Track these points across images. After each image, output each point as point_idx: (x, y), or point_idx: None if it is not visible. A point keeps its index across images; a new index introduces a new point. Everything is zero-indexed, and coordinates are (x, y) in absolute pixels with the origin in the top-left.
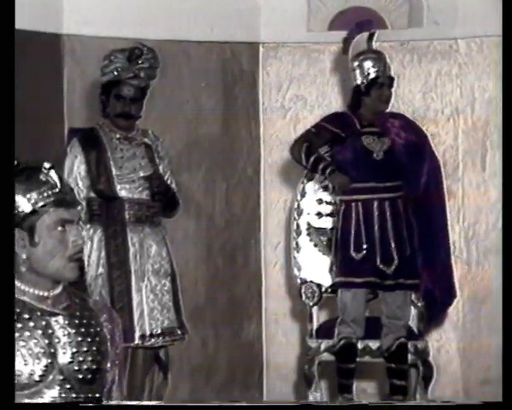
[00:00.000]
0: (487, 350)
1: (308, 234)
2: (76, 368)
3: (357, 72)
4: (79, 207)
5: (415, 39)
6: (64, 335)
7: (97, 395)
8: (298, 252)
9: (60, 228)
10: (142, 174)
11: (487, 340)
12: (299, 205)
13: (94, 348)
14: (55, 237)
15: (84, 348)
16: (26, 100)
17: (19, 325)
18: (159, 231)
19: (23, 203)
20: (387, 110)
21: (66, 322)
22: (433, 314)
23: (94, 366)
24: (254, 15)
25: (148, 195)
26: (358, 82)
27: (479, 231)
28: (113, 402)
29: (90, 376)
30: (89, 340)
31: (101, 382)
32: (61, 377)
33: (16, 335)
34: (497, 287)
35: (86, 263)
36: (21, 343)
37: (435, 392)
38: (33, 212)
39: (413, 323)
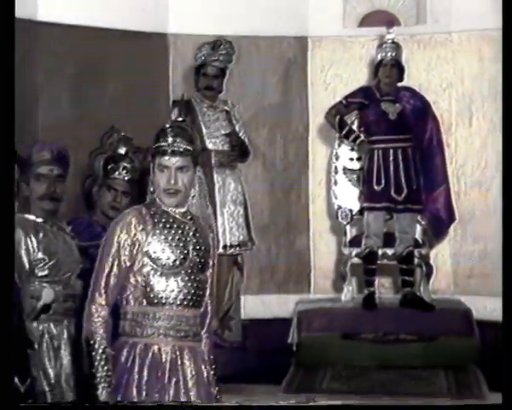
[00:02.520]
0: (471, 255)
1: (343, 173)
2: (197, 260)
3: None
4: (182, 157)
5: (420, 33)
6: (192, 236)
7: (203, 283)
8: (336, 186)
9: (161, 169)
10: (223, 132)
11: (471, 248)
12: (336, 153)
13: (204, 248)
14: (158, 175)
15: (203, 247)
16: (145, 81)
17: (167, 226)
18: (236, 172)
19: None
20: (400, 84)
21: (193, 228)
22: (437, 232)
23: (203, 260)
24: (304, 16)
25: (228, 147)
26: (375, 62)
27: (466, 170)
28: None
29: (202, 266)
30: (201, 241)
31: (206, 272)
32: (191, 264)
33: (165, 232)
34: (479, 210)
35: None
36: (170, 238)
37: (434, 285)
38: (153, 155)
39: (418, 236)
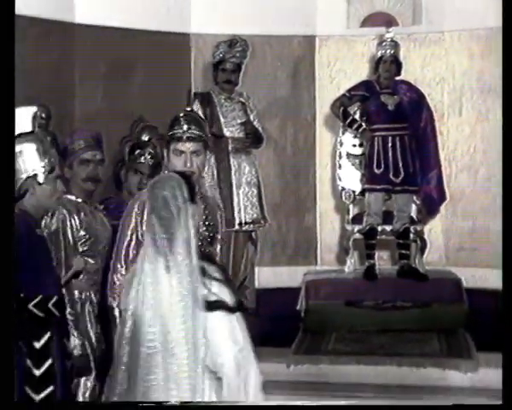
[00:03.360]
0: (460, 231)
1: (347, 158)
2: (207, 234)
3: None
4: (196, 143)
5: (416, 33)
6: (202, 213)
7: (214, 253)
8: (340, 169)
9: (177, 153)
10: (239, 121)
11: (461, 225)
12: (341, 140)
13: (212, 223)
14: (175, 158)
15: (212, 223)
16: (169, 77)
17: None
18: (250, 157)
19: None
20: (398, 78)
21: (203, 206)
22: (431, 210)
23: (212, 234)
24: (312, 18)
25: (243, 134)
26: (375, 59)
27: (457, 155)
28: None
29: (210, 239)
30: (210, 218)
31: (215, 246)
32: (201, 238)
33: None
34: (468, 191)
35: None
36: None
37: (428, 257)
38: (168, 141)
39: (414, 214)
